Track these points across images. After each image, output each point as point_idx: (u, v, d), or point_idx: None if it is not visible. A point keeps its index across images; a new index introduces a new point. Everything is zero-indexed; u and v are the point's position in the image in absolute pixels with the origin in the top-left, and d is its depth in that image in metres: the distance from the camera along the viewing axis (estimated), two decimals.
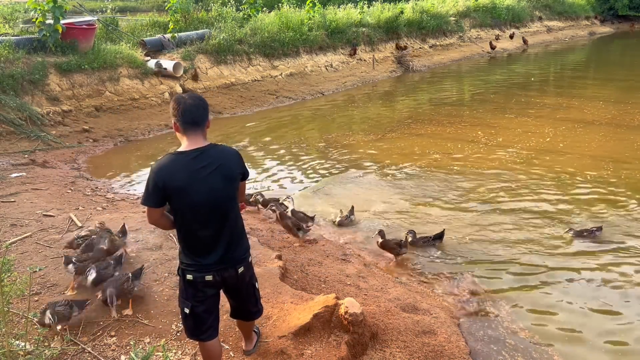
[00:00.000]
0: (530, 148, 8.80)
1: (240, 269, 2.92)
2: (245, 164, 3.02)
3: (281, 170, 8.10)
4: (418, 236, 5.66)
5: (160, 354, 3.32)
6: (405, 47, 17.46)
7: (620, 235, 5.74)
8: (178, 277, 2.97)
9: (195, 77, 12.18)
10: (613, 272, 5.05)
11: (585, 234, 5.64)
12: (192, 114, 2.76)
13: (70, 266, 4.11)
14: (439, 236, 5.65)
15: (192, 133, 2.78)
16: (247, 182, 3.20)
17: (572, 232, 5.68)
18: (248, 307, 3.17)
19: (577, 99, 12.80)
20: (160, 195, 2.72)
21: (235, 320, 3.33)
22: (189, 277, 2.83)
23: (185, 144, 2.78)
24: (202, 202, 2.74)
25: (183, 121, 2.76)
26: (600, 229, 5.70)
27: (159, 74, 11.58)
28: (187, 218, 2.77)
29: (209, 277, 2.83)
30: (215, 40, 13.25)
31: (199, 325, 2.92)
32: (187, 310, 2.87)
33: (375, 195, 7.04)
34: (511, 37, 23.55)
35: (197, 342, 3.29)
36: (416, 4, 20.12)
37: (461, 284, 4.95)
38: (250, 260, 3.03)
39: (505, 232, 5.90)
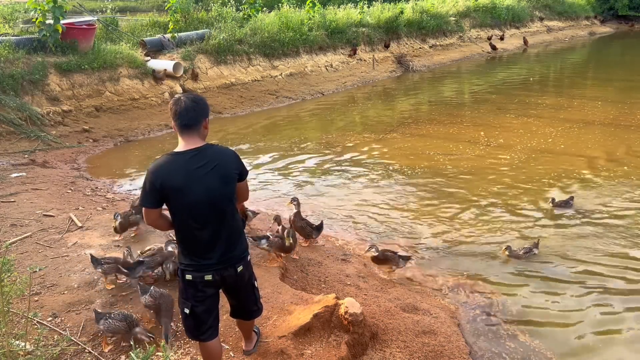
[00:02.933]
0: (533, 149, 8.79)
1: (240, 268, 2.93)
2: (245, 164, 3.01)
3: (281, 171, 8.09)
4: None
5: (161, 354, 3.31)
6: (389, 45, 17.41)
7: (624, 239, 5.72)
8: (177, 278, 2.97)
9: (194, 77, 12.17)
10: (616, 279, 4.99)
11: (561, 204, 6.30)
12: (183, 116, 2.77)
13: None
14: (318, 228, 5.41)
15: (187, 134, 2.80)
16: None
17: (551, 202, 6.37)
18: (247, 306, 3.17)
19: (577, 99, 12.80)
20: (158, 196, 2.73)
21: (235, 320, 3.33)
22: (189, 277, 2.83)
23: (181, 145, 2.80)
24: (200, 202, 2.75)
25: (178, 122, 2.79)
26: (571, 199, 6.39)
27: (159, 80, 11.57)
28: (185, 218, 2.78)
29: (208, 277, 2.83)
30: (215, 40, 13.25)
31: (199, 325, 2.92)
32: (187, 311, 2.88)
33: (372, 196, 7.04)
34: (501, 38, 22.77)
35: (197, 342, 3.30)
36: (416, 4, 20.10)
37: (462, 284, 4.95)
38: (249, 259, 3.03)
39: (507, 234, 5.89)
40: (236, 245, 2.92)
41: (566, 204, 6.44)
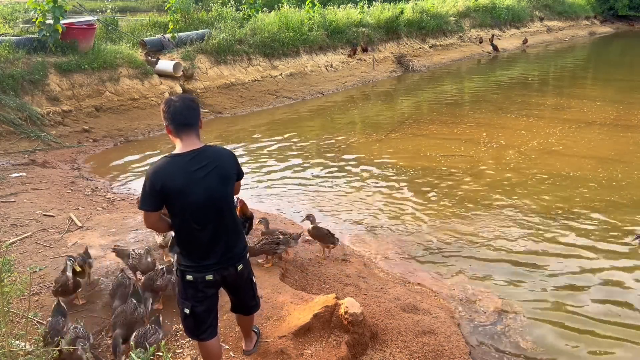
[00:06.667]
0: (534, 149, 8.77)
1: (240, 267, 2.95)
2: (245, 164, 3.03)
3: (281, 171, 8.08)
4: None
5: (161, 354, 3.31)
6: (367, 48, 16.90)
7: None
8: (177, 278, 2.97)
9: (189, 78, 12.07)
10: (620, 279, 4.98)
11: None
12: (183, 115, 2.76)
13: None
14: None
15: (185, 135, 2.78)
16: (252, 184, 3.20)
17: (637, 240, 5.48)
18: (246, 302, 3.21)
19: (578, 99, 12.79)
20: (158, 199, 2.72)
21: (235, 319, 3.34)
22: (189, 277, 2.83)
23: (180, 146, 2.78)
24: (201, 203, 2.75)
25: (175, 123, 2.76)
26: None
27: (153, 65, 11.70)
28: (186, 220, 2.77)
29: (209, 277, 2.84)
30: (215, 40, 13.25)
31: (199, 325, 2.93)
32: (187, 311, 2.88)
33: (373, 196, 7.04)
34: (491, 40, 21.84)
35: (195, 342, 3.30)
36: (416, 4, 20.11)
37: (462, 284, 4.94)
38: (248, 256, 3.06)
39: (509, 235, 5.87)
40: (236, 244, 2.94)
41: None
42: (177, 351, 3.47)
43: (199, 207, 2.75)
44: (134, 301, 3.57)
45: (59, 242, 5.06)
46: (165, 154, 2.82)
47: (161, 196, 2.71)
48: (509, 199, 6.78)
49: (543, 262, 5.26)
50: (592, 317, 4.41)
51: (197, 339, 3.01)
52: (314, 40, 15.56)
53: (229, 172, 2.86)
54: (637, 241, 5.47)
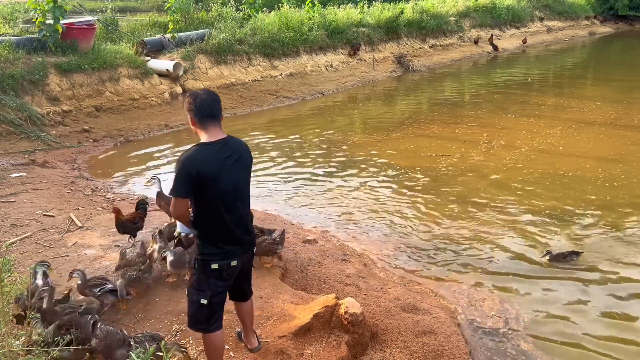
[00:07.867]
0: (535, 149, 8.77)
1: (254, 249, 3.20)
2: None
3: (281, 171, 8.08)
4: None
5: (161, 354, 3.31)
6: (359, 48, 16.71)
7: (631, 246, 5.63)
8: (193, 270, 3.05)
9: (175, 80, 11.91)
10: (623, 279, 4.98)
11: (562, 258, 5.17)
12: (210, 107, 2.90)
13: None
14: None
15: (212, 126, 2.91)
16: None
17: (548, 255, 5.21)
18: (245, 286, 3.31)
19: (578, 99, 12.79)
20: (192, 185, 2.81)
21: (234, 318, 3.37)
22: (215, 265, 2.93)
23: (206, 137, 2.91)
24: (230, 190, 2.90)
25: (201, 115, 2.89)
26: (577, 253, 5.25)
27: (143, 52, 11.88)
28: (216, 206, 2.89)
29: (234, 263, 2.98)
30: (215, 40, 13.25)
31: (212, 315, 3.01)
32: (204, 301, 2.94)
33: (372, 196, 7.04)
34: (491, 40, 21.67)
35: (195, 342, 3.31)
36: (416, 4, 20.10)
37: (462, 284, 4.94)
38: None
39: (510, 235, 5.87)
40: (252, 229, 3.17)
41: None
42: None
43: (229, 194, 2.89)
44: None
45: (59, 242, 5.06)
46: (194, 144, 2.92)
47: (196, 182, 2.80)
48: (510, 200, 6.78)
49: (545, 263, 5.25)
50: (594, 319, 4.40)
51: (207, 331, 3.05)
52: (314, 40, 15.56)
53: (249, 161, 3.06)
54: (547, 257, 5.22)
